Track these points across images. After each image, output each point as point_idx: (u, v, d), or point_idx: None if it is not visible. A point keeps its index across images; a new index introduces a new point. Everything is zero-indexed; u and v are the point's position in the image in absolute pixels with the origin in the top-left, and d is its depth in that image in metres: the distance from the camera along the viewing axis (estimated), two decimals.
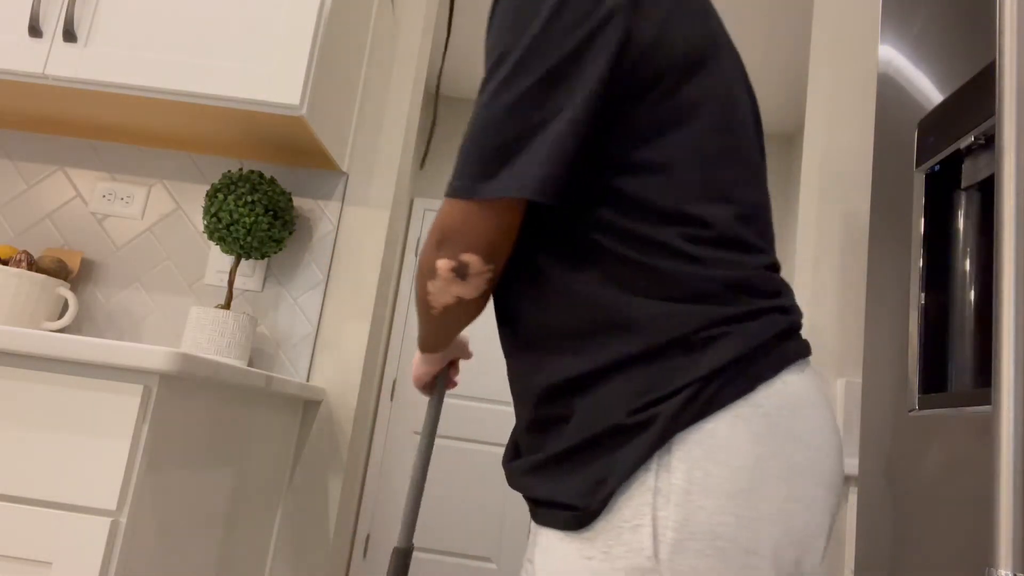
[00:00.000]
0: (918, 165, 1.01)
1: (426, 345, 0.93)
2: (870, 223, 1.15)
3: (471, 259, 0.72)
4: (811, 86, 1.89)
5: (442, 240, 0.72)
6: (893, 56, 1.14)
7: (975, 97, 0.90)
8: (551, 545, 0.69)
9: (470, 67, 3.92)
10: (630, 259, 0.70)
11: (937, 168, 0.99)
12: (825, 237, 1.74)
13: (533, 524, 0.82)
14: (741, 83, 0.82)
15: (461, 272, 0.73)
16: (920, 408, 0.95)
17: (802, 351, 0.72)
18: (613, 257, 0.71)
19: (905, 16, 1.13)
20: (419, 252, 0.91)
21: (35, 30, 1.46)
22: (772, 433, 0.65)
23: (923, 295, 0.98)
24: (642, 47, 0.72)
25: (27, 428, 0.99)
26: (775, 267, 0.76)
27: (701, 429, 0.64)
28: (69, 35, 1.45)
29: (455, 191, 0.70)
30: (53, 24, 1.47)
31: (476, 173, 0.69)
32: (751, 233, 0.74)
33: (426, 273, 0.75)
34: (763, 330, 0.69)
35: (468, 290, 0.75)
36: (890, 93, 1.14)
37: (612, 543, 0.64)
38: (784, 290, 0.75)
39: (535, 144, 0.68)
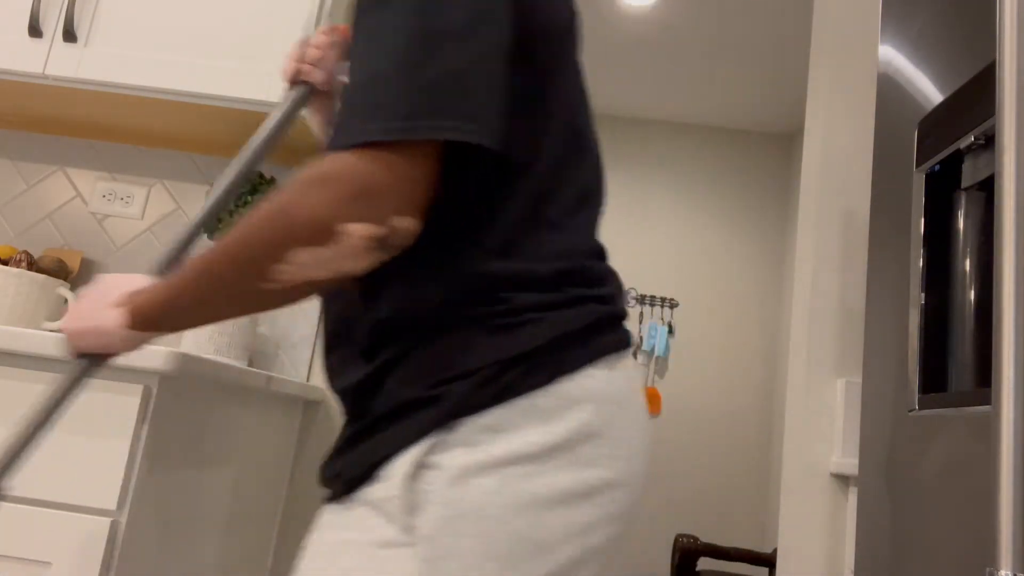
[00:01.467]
0: (918, 165, 1.01)
1: (173, 321, 0.66)
2: (870, 223, 1.15)
3: (408, 224, 0.60)
4: (811, 86, 1.89)
5: (361, 195, 0.57)
6: (893, 56, 1.14)
7: (975, 97, 0.90)
8: (320, 521, 0.66)
9: None
10: (472, 236, 0.64)
11: (937, 168, 0.99)
12: (825, 237, 1.74)
13: None
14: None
15: (386, 242, 0.59)
16: (920, 408, 0.95)
17: (619, 344, 0.67)
18: (459, 230, 0.64)
19: (905, 16, 1.13)
20: (280, 200, 0.59)
21: (35, 30, 1.46)
22: (567, 428, 0.61)
23: (923, 295, 0.98)
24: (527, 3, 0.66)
25: None
26: (602, 253, 0.72)
27: (491, 414, 0.60)
28: (69, 35, 1.45)
29: (384, 131, 0.56)
30: (53, 24, 1.47)
31: (408, 110, 0.56)
32: (586, 217, 0.70)
33: (312, 235, 0.57)
34: (577, 319, 0.64)
35: (367, 264, 0.60)
36: (890, 93, 1.14)
37: (370, 516, 0.61)
38: (608, 278, 0.70)
39: (476, 80, 0.59)
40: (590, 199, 0.71)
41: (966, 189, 0.96)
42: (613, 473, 0.63)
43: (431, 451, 0.60)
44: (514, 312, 0.63)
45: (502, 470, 0.59)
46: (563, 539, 0.59)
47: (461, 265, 0.63)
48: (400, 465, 0.60)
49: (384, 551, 0.59)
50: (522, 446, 0.59)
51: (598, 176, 0.74)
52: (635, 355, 4.01)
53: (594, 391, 0.63)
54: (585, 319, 0.65)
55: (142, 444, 1.00)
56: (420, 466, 0.60)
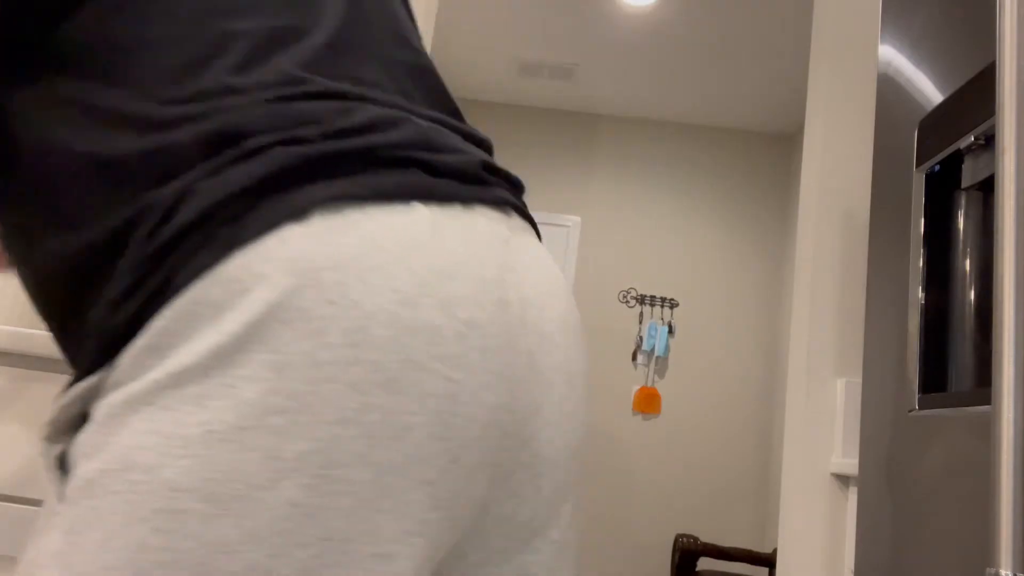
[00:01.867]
0: (918, 165, 1.02)
1: None
2: (870, 223, 1.15)
3: None
4: (811, 86, 1.89)
5: None
6: (893, 56, 1.14)
7: (975, 97, 0.90)
8: None
9: (466, 65, 3.92)
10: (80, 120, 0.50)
11: (937, 168, 0.99)
12: (825, 237, 1.74)
13: None
14: None
15: None
16: (920, 408, 0.95)
17: (365, 191, 0.47)
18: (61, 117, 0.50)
19: (905, 16, 1.13)
20: None
21: None
22: (241, 320, 0.43)
23: (923, 295, 0.98)
24: None
25: (28, 428, 0.99)
26: (333, 92, 0.53)
27: (151, 330, 0.44)
28: None
29: None
30: None
31: None
32: (285, 59, 0.53)
33: None
34: (250, 173, 0.46)
35: None
36: (890, 93, 1.14)
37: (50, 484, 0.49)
38: (333, 114, 0.50)
39: None
40: (287, 39, 0.55)
41: (966, 189, 0.96)
42: (345, 372, 0.43)
43: (87, 397, 0.46)
44: (161, 201, 0.46)
45: (155, 400, 0.43)
46: (266, 483, 0.41)
47: (98, 172, 0.49)
48: (71, 421, 0.47)
49: (45, 522, 0.46)
50: (181, 362, 0.43)
51: (301, 10, 0.57)
52: (635, 355, 4.01)
53: (289, 257, 0.44)
54: (263, 169, 0.46)
55: None
56: (68, 420, 0.47)
